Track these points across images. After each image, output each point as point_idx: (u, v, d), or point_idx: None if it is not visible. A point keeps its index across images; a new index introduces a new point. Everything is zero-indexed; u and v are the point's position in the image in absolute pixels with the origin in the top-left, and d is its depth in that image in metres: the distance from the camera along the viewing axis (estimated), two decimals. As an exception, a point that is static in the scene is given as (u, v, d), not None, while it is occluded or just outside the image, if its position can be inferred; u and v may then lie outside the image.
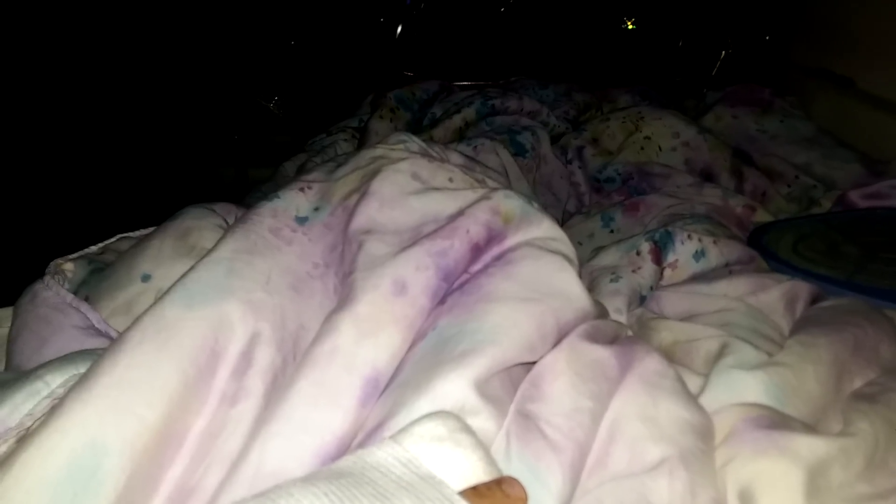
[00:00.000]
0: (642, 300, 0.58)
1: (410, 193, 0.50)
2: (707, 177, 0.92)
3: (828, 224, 0.69)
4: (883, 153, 0.96)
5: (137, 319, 0.36)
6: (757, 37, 1.24)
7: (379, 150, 0.56)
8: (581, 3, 1.53)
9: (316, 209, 0.51)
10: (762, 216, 0.79)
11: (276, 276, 0.43)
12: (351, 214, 0.48)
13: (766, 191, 0.88)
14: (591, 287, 0.59)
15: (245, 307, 0.38)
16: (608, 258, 0.62)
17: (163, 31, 1.31)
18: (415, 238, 0.45)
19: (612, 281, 0.57)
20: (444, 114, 1.02)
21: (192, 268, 0.41)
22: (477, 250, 0.45)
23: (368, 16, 1.33)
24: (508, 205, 0.48)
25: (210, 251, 0.43)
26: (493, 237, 0.46)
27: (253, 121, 1.35)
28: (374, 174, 0.51)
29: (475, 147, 0.82)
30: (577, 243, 0.82)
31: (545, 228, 0.49)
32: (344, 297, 0.40)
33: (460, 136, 0.98)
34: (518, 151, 0.92)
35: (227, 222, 0.54)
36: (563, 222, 0.89)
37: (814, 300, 0.53)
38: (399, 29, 1.31)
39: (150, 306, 0.37)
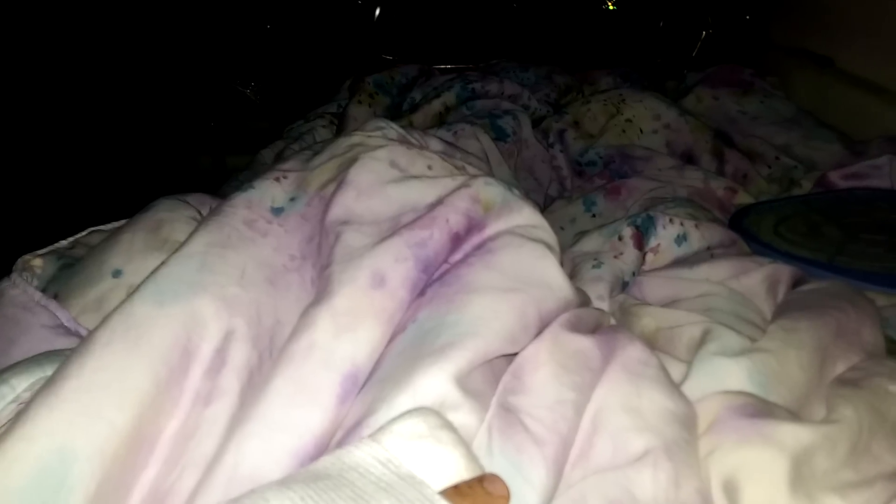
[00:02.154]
0: (625, 286, 0.57)
1: (388, 182, 0.49)
2: (688, 159, 0.92)
3: (809, 205, 0.69)
4: (863, 133, 0.96)
5: (106, 318, 0.34)
6: (737, 17, 1.23)
7: (356, 138, 0.55)
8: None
9: (292, 199, 0.50)
10: (743, 198, 0.79)
11: (250, 269, 0.42)
12: (328, 204, 0.47)
13: (747, 172, 0.88)
14: (574, 273, 0.58)
15: (218, 303, 0.37)
16: (590, 244, 0.62)
17: (136, 16, 1.28)
18: (394, 228, 0.44)
19: (594, 267, 0.57)
20: (423, 98, 1.01)
21: (163, 263, 0.40)
22: (457, 240, 0.44)
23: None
24: (488, 192, 0.47)
25: (182, 245, 0.42)
26: (473, 226, 0.45)
27: (230, 107, 1.32)
28: (352, 162, 0.50)
29: (455, 132, 0.81)
30: (560, 228, 0.81)
31: (526, 216, 0.48)
32: (321, 290, 0.39)
33: (440, 121, 0.96)
34: (499, 136, 0.91)
35: (200, 214, 0.53)
36: (545, 206, 0.88)
37: (795, 283, 0.53)
38: (377, 11, 1.28)
39: (120, 304, 0.36)
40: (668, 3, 1.43)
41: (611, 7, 1.56)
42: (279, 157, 0.95)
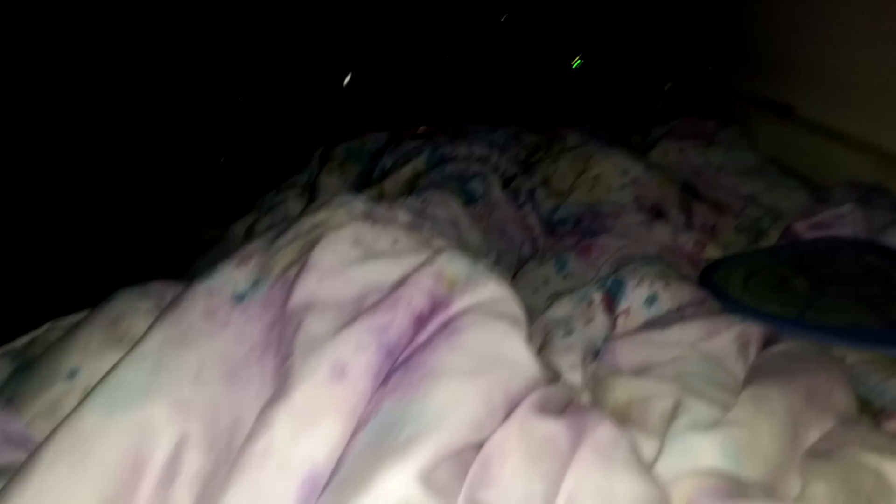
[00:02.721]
0: (597, 353, 0.57)
1: (352, 262, 0.48)
2: (657, 213, 0.93)
3: (776, 258, 0.69)
4: (825, 178, 0.98)
5: (53, 432, 0.33)
6: (698, 68, 1.27)
7: (320, 216, 0.54)
8: (527, 43, 1.56)
9: (255, 284, 0.49)
10: (712, 251, 0.79)
11: (208, 365, 0.41)
12: (290, 289, 0.47)
13: (716, 224, 0.88)
14: (545, 342, 0.58)
15: (172, 407, 0.36)
16: (561, 310, 0.61)
17: (110, 88, 1.29)
18: (357, 311, 0.44)
19: (565, 335, 0.56)
20: (393, 165, 1.02)
21: (115, 365, 0.39)
22: (421, 321, 0.43)
23: (316, 68, 1.33)
24: (453, 268, 0.47)
25: (137, 344, 0.41)
26: (437, 305, 0.45)
27: (202, 179, 1.33)
28: (315, 243, 0.50)
29: (424, 200, 0.81)
30: (533, 290, 0.81)
31: (492, 290, 0.47)
32: (280, 385, 0.38)
33: (411, 186, 0.97)
34: (469, 199, 0.91)
35: (161, 304, 0.52)
36: (518, 266, 0.88)
37: (766, 342, 0.53)
38: (347, 79, 1.31)
39: (68, 415, 0.34)
40: (631, 58, 1.47)
41: (576, 64, 1.60)
42: (250, 231, 0.95)
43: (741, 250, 0.81)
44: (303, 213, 0.59)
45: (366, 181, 1.04)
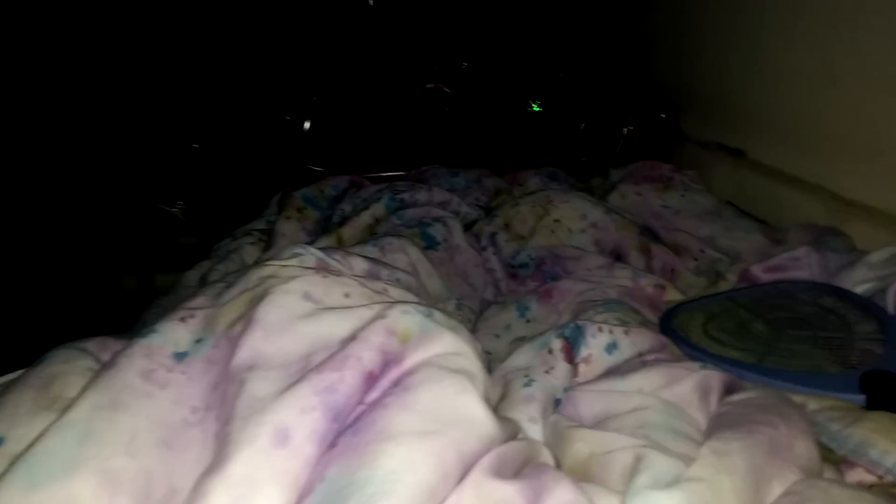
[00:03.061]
0: (558, 402, 0.55)
1: (300, 317, 0.46)
2: (617, 256, 0.93)
3: (734, 301, 0.69)
4: (780, 220, 0.99)
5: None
6: (652, 114, 1.29)
7: (269, 269, 0.53)
8: (487, 89, 1.58)
9: (198, 341, 0.47)
10: (672, 294, 0.79)
11: (143, 431, 0.38)
12: (235, 347, 0.45)
13: (675, 267, 0.89)
14: (506, 392, 0.56)
15: (99, 480, 0.33)
16: (521, 358, 0.60)
17: (57, 133, 1.26)
18: (303, 370, 0.42)
19: (525, 385, 0.55)
20: (352, 211, 1.01)
21: (41, 434, 0.36)
22: (371, 379, 0.41)
23: (274, 113, 1.32)
24: (405, 322, 0.46)
25: (65, 410, 0.38)
26: (389, 361, 0.43)
27: (156, 226, 1.29)
28: (262, 298, 0.48)
29: (382, 247, 0.79)
30: (495, 336, 0.80)
31: (447, 343, 0.46)
32: (218, 453, 0.36)
33: (371, 232, 0.96)
34: (429, 244, 0.90)
35: (99, 363, 0.49)
36: (481, 311, 0.87)
37: (728, 389, 0.52)
38: (306, 125, 1.30)
39: (-18, 493, 0.31)
40: (589, 104, 1.49)
41: (535, 109, 1.63)
42: (204, 279, 0.92)
43: (701, 293, 0.81)
44: (253, 265, 0.57)
45: (325, 226, 1.03)
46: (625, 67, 1.66)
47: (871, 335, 0.57)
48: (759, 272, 0.75)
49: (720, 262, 0.87)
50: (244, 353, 0.43)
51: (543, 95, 1.62)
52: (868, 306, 0.61)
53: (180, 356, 0.46)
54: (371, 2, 1.48)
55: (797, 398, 0.49)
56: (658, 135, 1.29)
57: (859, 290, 0.65)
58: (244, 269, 0.56)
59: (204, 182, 1.23)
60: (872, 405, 0.47)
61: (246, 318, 0.46)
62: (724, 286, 0.81)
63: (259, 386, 0.40)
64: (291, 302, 0.47)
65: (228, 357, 0.44)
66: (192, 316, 0.49)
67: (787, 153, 1.03)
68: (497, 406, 0.53)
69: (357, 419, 0.40)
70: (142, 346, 0.45)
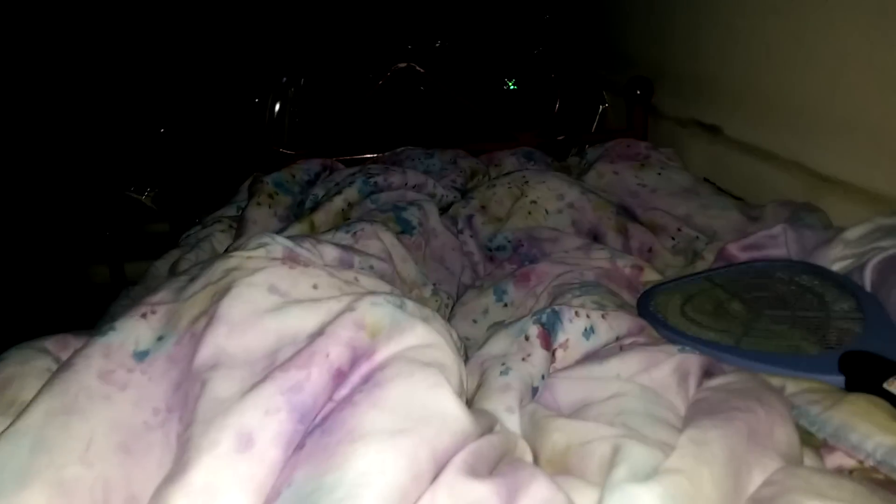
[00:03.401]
0: (535, 391, 0.54)
1: (266, 312, 0.45)
2: (595, 236, 0.92)
3: (712, 281, 0.69)
4: (756, 197, 0.99)
5: None
6: (628, 92, 1.28)
7: (234, 261, 0.51)
8: (462, 66, 1.55)
9: (160, 339, 0.45)
10: (649, 274, 0.78)
11: (100, 437, 0.37)
12: (197, 344, 0.43)
13: (652, 246, 0.88)
14: (482, 381, 0.55)
15: (52, 491, 0.32)
16: (497, 345, 0.59)
17: (21, 119, 1.21)
18: (269, 368, 0.40)
19: (502, 374, 0.54)
20: (325, 195, 0.98)
21: (-11, 445, 0.34)
22: (340, 376, 0.40)
23: (243, 96, 1.29)
24: (375, 315, 0.44)
25: (18, 416, 0.36)
26: (358, 356, 0.42)
27: (125, 214, 1.26)
28: (226, 292, 0.46)
29: (355, 233, 0.78)
30: (472, 321, 0.79)
31: (419, 335, 0.44)
32: (178, 459, 0.34)
33: (344, 217, 0.94)
34: (405, 229, 0.88)
35: (59, 363, 0.47)
36: (458, 295, 0.86)
37: (706, 372, 0.52)
38: (276, 107, 1.27)
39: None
40: (564, 82, 1.48)
41: (511, 87, 1.61)
42: (174, 269, 0.90)
43: (679, 272, 0.81)
44: (218, 256, 0.55)
45: (298, 212, 1.00)
46: (600, 44, 1.64)
47: (848, 314, 0.56)
48: (736, 251, 0.75)
49: (697, 240, 0.86)
50: (207, 352, 0.41)
51: (519, 74, 1.60)
52: (845, 284, 0.61)
53: (141, 355, 0.44)
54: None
55: (775, 380, 0.48)
56: (634, 112, 1.27)
57: (836, 267, 0.65)
58: (208, 260, 0.54)
59: (173, 168, 1.19)
60: (851, 386, 0.47)
61: (209, 314, 0.44)
62: (701, 265, 0.80)
63: (222, 386, 0.38)
64: (256, 296, 0.45)
65: (191, 355, 0.42)
66: (153, 312, 0.47)
67: (763, 129, 1.02)
68: (474, 395, 0.52)
69: (325, 418, 0.38)
70: (100, 345, 0.43)
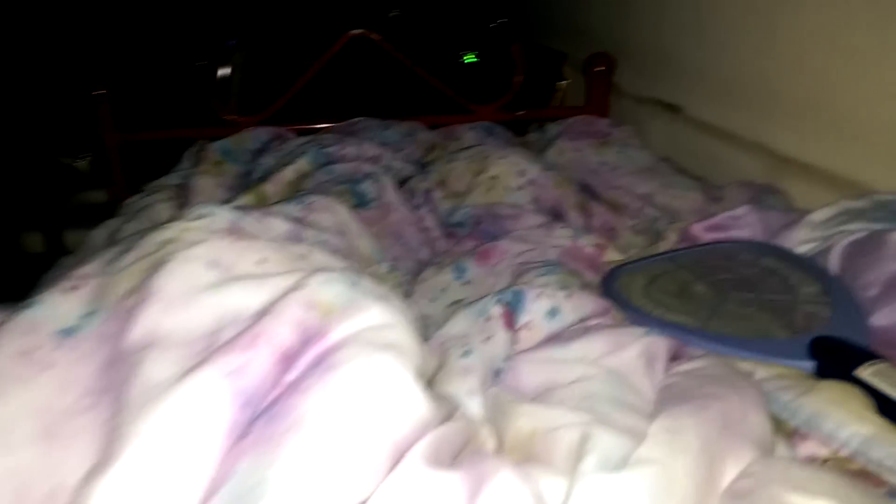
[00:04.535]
0: (498, 373, 0.52)
1: (205, 288, 0.41)
2: (556, 214, 0.90)
3: (676, 262, 0.67)
4: (717, 177, 0.98)
5: None
6: (587, 69, 1.25)
7: (170, 232, 0.46)
8: (418, 39, 1.50)
9: (88, 314, 0.41)
10: (612, 254, 0.76)
11: (19, 422, 0.33)
12: (129, 322, 0.39)
13: (614, 225, 0.86)
14: (442, 363, 0.52)
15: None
16: (458, 326, 0.56)
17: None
18: (209, 349, 0.36)
19: (463, 355, 0.51)
20: (275, 165, 0.93)
21: None
22: (288, 359, 0.36)
23: (187, 59, 1.21)
24: (327, 293, 0.40)
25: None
26: (309, 338, 0.38)
27: (58, 181, 1.18)
28: (160, 265, 0.42)
29: (307, 206, 0.73)
30: (431, 299, 0.76)
31: (375, 315, 0.41)
32: (105, 450, 0.30)
33: (296, 189, 0.89)
34: (360, 202, 0.85)
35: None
36: (417, 273, 0.82)
37: (673, 356, 0.50)
38: (221, 71, 1.20)
39: None
40: (524, 56, 1.44)
41: (469, 60, 1.57)
42: (112, 239, 0.84)
43: (641, 252, 0.79)
44: (153, 226, 0.50)
45: (245, 183, 0.95)
46: (561, 19, 1.61)
47: (815, 297, 0.55)
48: (700, 231, 0.74)
49: (659, 220, 0.85)
50: (139, 330, 0.37)
51: (478, 47, 1.56)
52: (810, 267, 0.60)
53: (67, 332, 0.39)
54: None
55: (745, 365, 0.47)
56: (594, 89, 1.25)
57: (802, 249, 0.64)
58: (143, 231, 0.50)
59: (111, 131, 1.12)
60: (824, 373, 0.45)
61: (141, 289, 0.40)
62: (663, 245, 0.79)
63: (155, 368, 0.34)
64: (195, 270, 0.41)
65: (122, 333, 0.38)
66: (81, 285, 0.43)
67: (724, 109, 1.01)
68: (434, 377, 0.49)
69: (273, 403, 0.35)
70: (21, 320, 0.39)
